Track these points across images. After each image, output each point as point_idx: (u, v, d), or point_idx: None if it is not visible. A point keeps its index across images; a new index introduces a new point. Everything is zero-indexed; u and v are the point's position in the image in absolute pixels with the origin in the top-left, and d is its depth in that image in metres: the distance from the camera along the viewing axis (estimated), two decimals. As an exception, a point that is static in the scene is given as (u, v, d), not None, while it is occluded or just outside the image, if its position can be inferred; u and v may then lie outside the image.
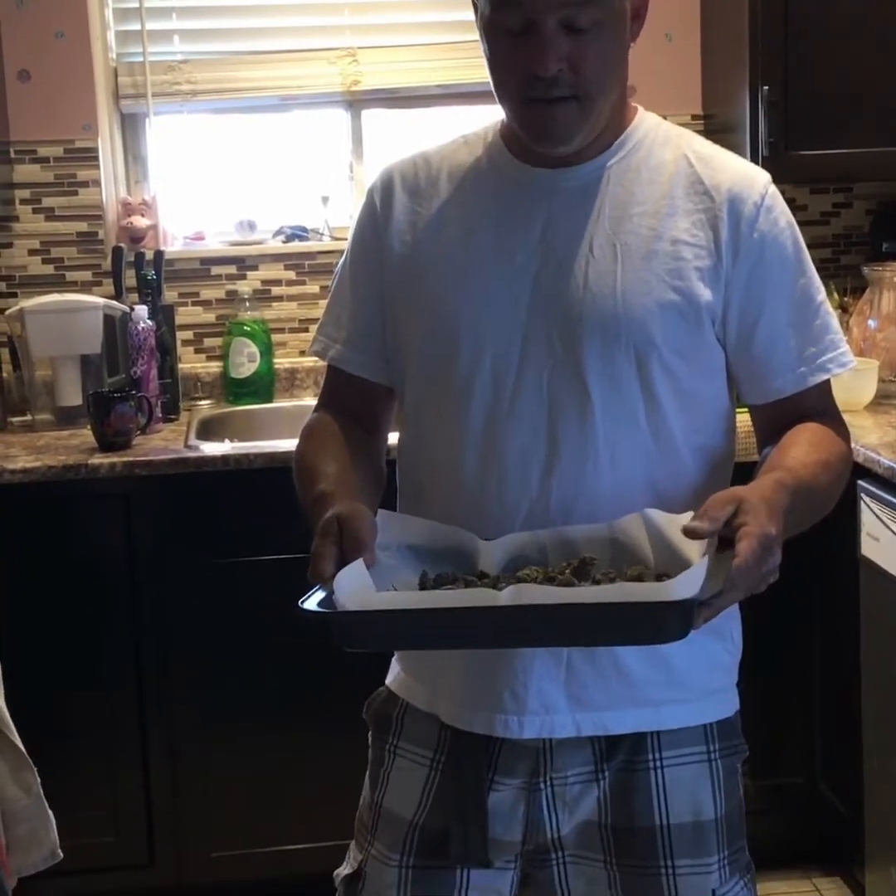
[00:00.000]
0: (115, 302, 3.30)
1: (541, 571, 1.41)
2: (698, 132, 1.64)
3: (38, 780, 2.19)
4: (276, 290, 3.57)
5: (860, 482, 2.68)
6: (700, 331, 1.53)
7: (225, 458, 2.93)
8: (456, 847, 1.59)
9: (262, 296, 3.56)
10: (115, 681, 2.92)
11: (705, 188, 1.54)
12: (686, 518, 1.38)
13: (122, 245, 3.39)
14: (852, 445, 2.64)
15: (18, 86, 3.37)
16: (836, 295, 3.38)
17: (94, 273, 3.47)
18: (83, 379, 3.28)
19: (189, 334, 3.55)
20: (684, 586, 1.25)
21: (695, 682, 1.58)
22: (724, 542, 1.34)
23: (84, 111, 3.41)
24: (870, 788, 2.76)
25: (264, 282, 3.57)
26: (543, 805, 1.58)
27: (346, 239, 3.51)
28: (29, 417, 3.31)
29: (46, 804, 2.21)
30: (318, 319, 3.71)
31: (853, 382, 3.01)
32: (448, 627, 1.30)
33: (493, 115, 1.65)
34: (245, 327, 3.50)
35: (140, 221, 3.50)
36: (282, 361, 3.57)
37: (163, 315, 3.35)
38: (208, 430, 3.28)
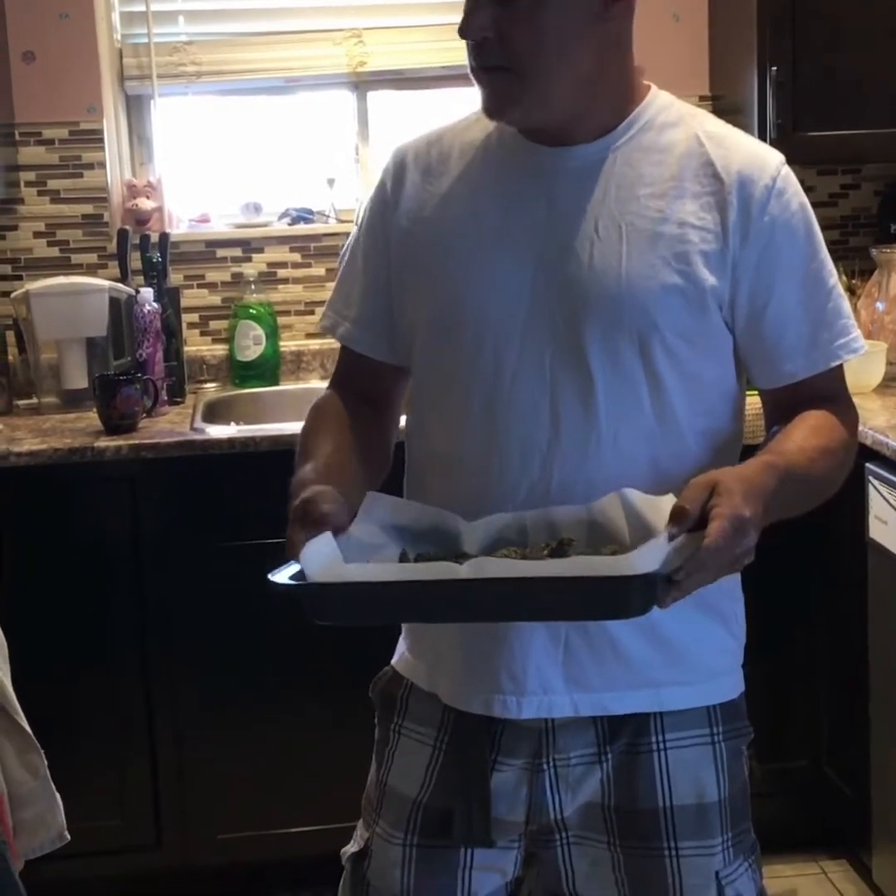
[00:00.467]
0: (120, 284, 3.30)
1: (519, 552, 1.41)
2: (706, 113, 1.62)
3: (45, 762, 2.19)
4: (281, 273, 3.56)
5: (868, 465, 2.68)
6: (705, 314, 1.52)
7: (231, 441, 2.93)
8: (459, 827, 1.60)
9: (268, 278, 3.55)
10: (121, 663, 2.92)
11: (715, 170, 1.52)
12: (664, 499, 1.38)
13: (127, 227, 3.38)
14: (860, 428, 2.65)
15: (23, 67, 3.35)
16: (844, 277, 3.36)
17: (100, 256, 3.46)
18: (89, 362, 3.28)
19: (195, 317, 3.54)
20: (642, 560, 1.26)
21: (697, 663, 1.58)
22: (699, 523, 1.34)
23: (89, 93, 3.40)
24: (876, 771, 2.76)
25: (270, 264, 3.56)
26: (546, 786, 1.58)
27: (352, 221, 3.52)
28: (35, 400, 3.31)
29: (53, 787, 2.21)
30: (324, 302, 3.70)
31: (861, 365, 3.00)
32: (408, 600, 1.32)
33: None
34: (251, 310, 3.49)
35: (145, 204, 3.49)
36: (288, 344, 3.56)
37: (168, 298, 3.35)
38: (214, 413, 3.28)
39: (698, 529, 1.33)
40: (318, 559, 1.31)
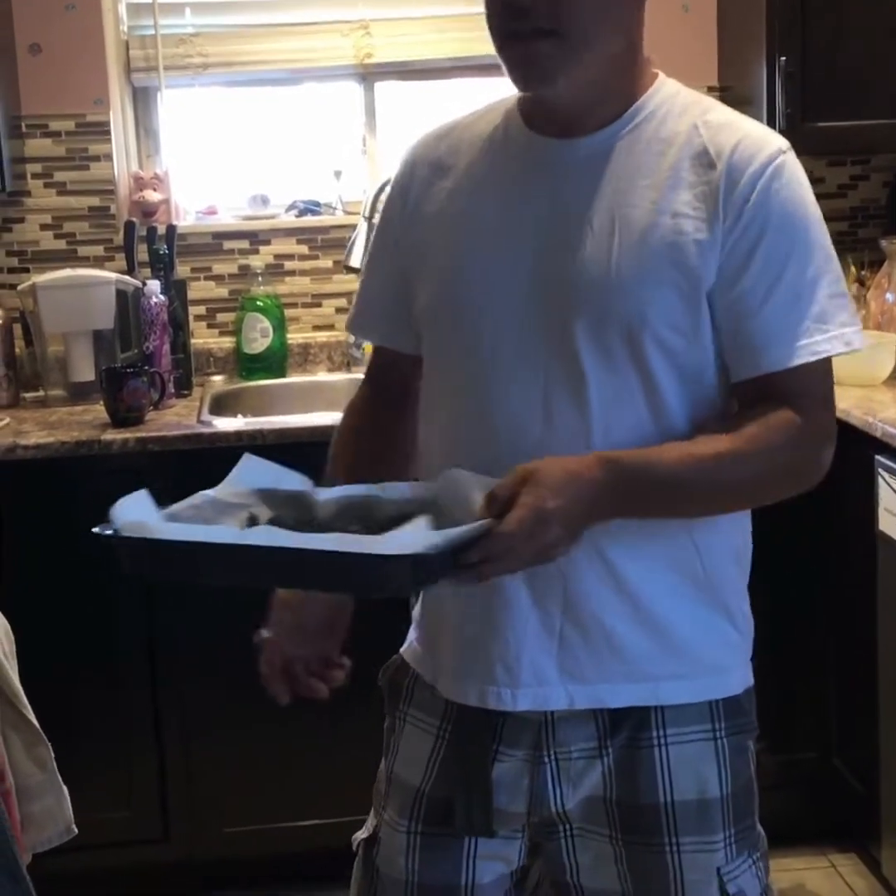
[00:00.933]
0: (127, 277, 3.29)
1: (356, 522, 1.45)
2: (714, 104, 1.60)
3: (53, 755, 2.19)
4: (288, 265, 3.56)
5: (878, 457, 2.67)
6: (699, 307, 1.50)
7: (238, 434, 2.92)
8: (460, 816, 1.61)
9: (275, 270, 3.54)
10: (128, 656, 2.92)
11: (710, 158, 1.50)
12: (493, 481, 1.40)
13: (134, 220, 3.38)
14: (870, 420, 2.65)
15: (29, 59, 3.35)
16: (853, 268, 3.36)
17: (106, 248, 3.46)
18: (96, 354, 3.28)
19: (201, 309, 3.54)
20: (394, 541, 1.29)
21: (698, 658, 1.57)
22: (509, 508, 1.37)
23: (95, 85, 3.39)
24: (885, 764, 2.75)
25: (277, 256, 3.55)
26: (547, 778, 1.58)
27: (358, 213, 3.51)
28: (42, 393, 3.31)
29: (61, 780, 2.21)
30: (331, 294, 3.72)
31: (871, 357, 2.98)
32: (188, 559, 1.38)
33: (506, 87, 1.63)
34: (258, 302, 3.48)
35: (152, 196, 3.49)
36: (295, 336, 3.56)
37: (175, 290, 3.34)
38: (221, 405, 3.27)
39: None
40: (126, 515, 1.38)
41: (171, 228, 3.40)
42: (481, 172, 1.59)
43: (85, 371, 3.27)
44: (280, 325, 3.50)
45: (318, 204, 3.63)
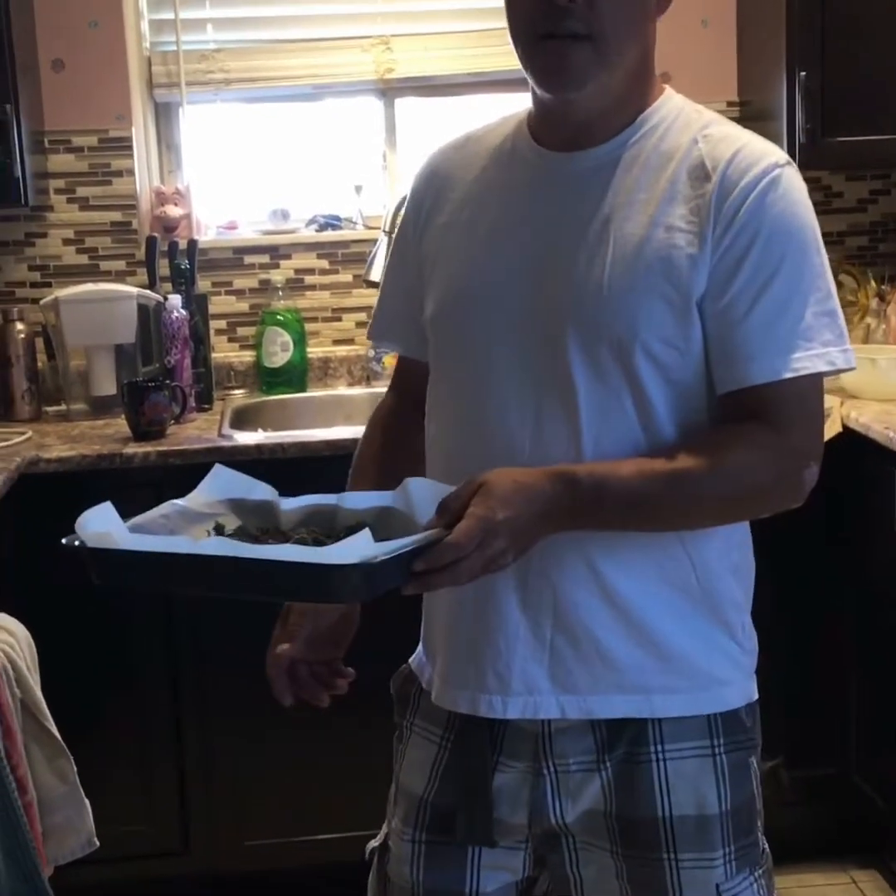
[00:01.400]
0: (148, 291, 3.31)
1: (315, 532, 1.48)
2: (733, 119, 1.60)
3: (75, 768, 2.20)
4: (309, 279, 3.57)
5: (897, 471, 2.67)
6: (691, 321, 1.49)
7: (258, 448, 2.93)
8: (461, 825, 1.61)
9: (296, 285, 3.56)
10: (148, 669, 2.93)
11: (706, 170, 1.50)
12: (447, 490, 1.42)
13: (155, 235, 3.39)
14: (889, 434, 2.64)
15: (53, 76, 3.37)
16: (873, 283, 3.35)
17: (128, 263, 3.48)
18: (117, 368, 3.29)
19: (222, 323, 3.55)
20: (339, 551, 1.31)
21: (693, 670, 1.57)
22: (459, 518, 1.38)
23: (118, 101, 3.41)
24: (907, 780, 2.74)
25: (297, 271, 3.57)
26: (547, 790, 1.59)
27: (379, 227, 3.52)
28: (64, 407, 3.32)
29: (82, 792, 2.22)
30: (351, 308, 3.73)
31: (890, 371, 2.98)
32: (150, 569, 1.41)
33: (526, 103, 1.64)
34: (278, 316, 3.50)
35: (173, 211, 3.51)
36: (315, 351, 3.57)
37: (196, 304, 3.36)
38: (242, 419, 3.28)
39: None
40: (92, 526, 1.42)
41: (192, 243, 3.42)
42: (487, 184, 1.61)
43: (107, 385, 3.28)
44: (300, 340, 3.51)
45: (338, 218, 3.65)
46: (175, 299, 3.25)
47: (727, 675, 1.59)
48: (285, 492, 2.94)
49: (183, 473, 2.88)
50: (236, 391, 3.52)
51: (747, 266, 1.48)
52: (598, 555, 1.51)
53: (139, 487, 2.88)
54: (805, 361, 1.48)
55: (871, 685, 2.92)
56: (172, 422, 3.08)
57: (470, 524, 1.36)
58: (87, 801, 2.22)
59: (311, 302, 3.57)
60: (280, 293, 3.51)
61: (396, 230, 1.76)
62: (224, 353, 3.55)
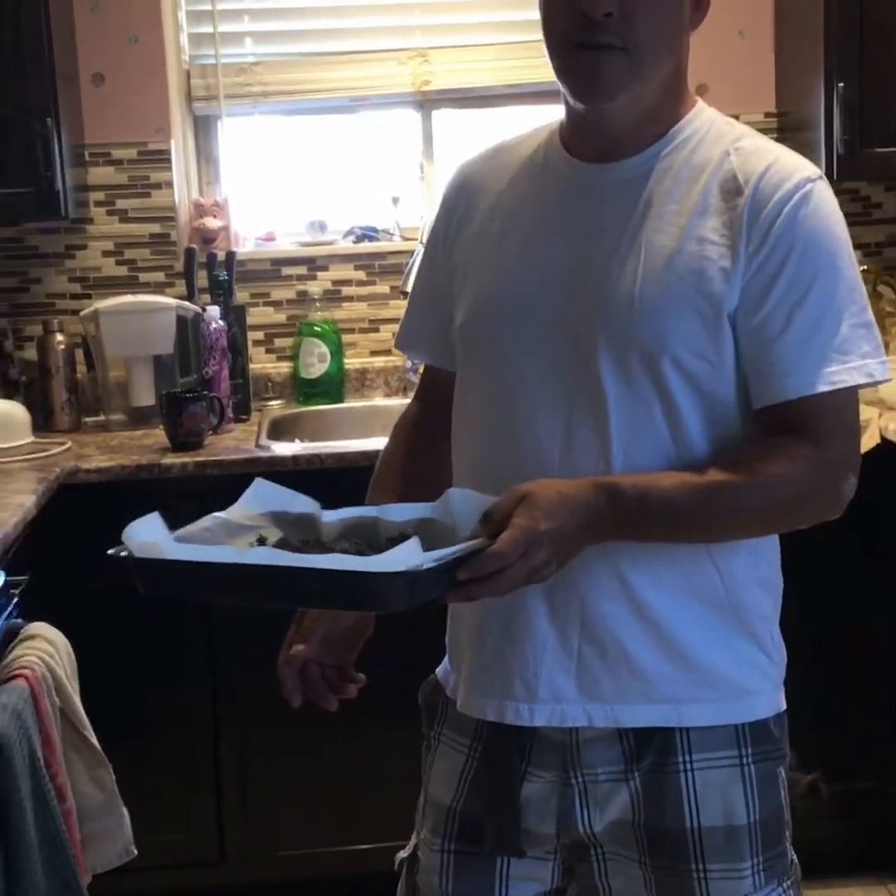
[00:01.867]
0: (187, 303, 3.33)
1: (359, 543, 1.49)
2: (771, 130, 1.61)
3: (113, 777, 2.21)
4: (346, 291, 3.58)
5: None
6: (722, 333, 1.49)
7: (295, 459, 2.94)
8: (489, 835, 1.61)
9: (333, 296, 3.57)
10: (188, 680, 2.94)
11: (738, 184, 1.50)
12: (491, 499, 1.43)
13: (194, 246, 3.42)
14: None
15: (93, 89, 3.40)
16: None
17: (167, 274, 3.50)
18: (156, 379, 3.31)
19: (260, 335, 3.57)
20: (387, 560, 1.32)
21: (720, 681, 1.56)
22: (502, 528, 1.39)
23: (157, 114, 3.44)
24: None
25: (335, 282, 3.58)
26: (575, 800, 1.59)
27: (416, 239, 3.53)
28: (103, 417, 3.35)
29: (121, 801, 2.23)
30: (388, 319, 3.74)
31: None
32: (192, 579, 1.43)
33: (562, 114, 1.64)
34: (315, 328, 3.51)
35: (212, 223, 3.53)
36: (352, 361, 3.58)
37: (234, 315, 3.38)
38: (279, 430, 3.30)
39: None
40: (139, 536, 1.44)
41: (230, 255, 3.44)
42: (518, 195, 1.62)
43: (145, 396, 3.31)
44: (337, 351, 3.52)
45: (375, 230, 3.66)
46: (213, 310, 3.27)
47: (755, 685, 1.59)
48: (322, 502, 2.96)
49: (221, 484, 2.90)
50: (273, 402, 3.54)
51: (782, 282, 1.48)
52: (626, 567, 1.51)
53: (177, 498, 2.89)
54: (842, 375, 1.48)
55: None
56: (210, 432, 3.10)
57: (514, 534, 1.37)
58: (125, 810, 2.24)
59: (349, 313, 3.58)
60: (317, 304, 3.53)
61: (427, 240, 1.77)
62: (261, 364, 3.57)
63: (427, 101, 3.65)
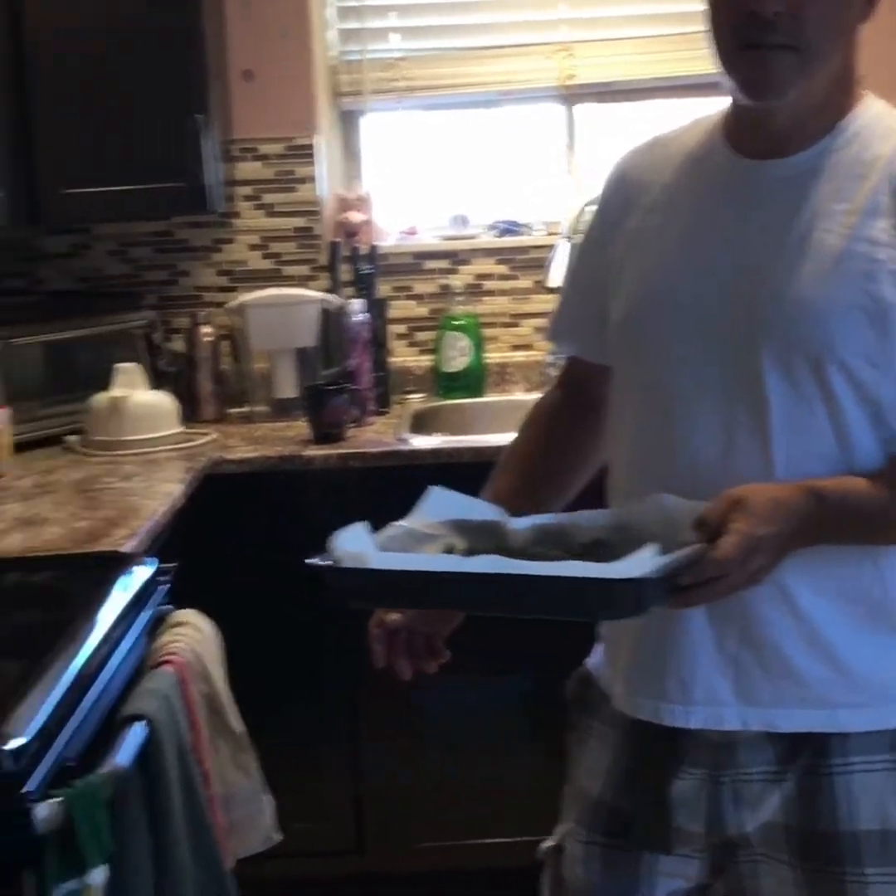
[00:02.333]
0: (331, 296, 3.36)
1: (553, 549, 1.47)
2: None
3: (257, 764, 2.24)
4: (488, 285, 3.59)
5: None
6: (889, 338, 1.45)
7: (434, 452, 2.96)
8: (638, 831, 1.61)
9: (475, 290, 3.58)
10: (329, 667, 2.97)
11: None
12: (701, 506, 1.41)
13: (338, 240, 3.45)
14: None
15: (242, 85, 3.45)
16: None
17: (311, 267, 3.53)
18: (299, 372, 3.35)
19: (401, 328, 3.59)
20: (625, 567, 1.31)
21: (877, 686, 1.54)
22: (719, 534, 1.37)
23: (304, 109, 3.48)
24: None
25: (477, 276, 3.58)
26: (725, 799, 1.57)
27: (559, 234, 3.52)
28: (246, 408, 3.40)
29: (265, 788, 2.26)
30: (529, 314, 3.72)
31: None
32: (412, 588, 1.41)
33: (708, 108, 1.63)
34: (457, 321, 3.52)
35: (355, 217, 3.55)
36: (493, 356, 3.58)
37: (376, 309, 3.40)
38: (419, 423, 3.32)
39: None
40: (346, 546, 1.42)
41: (373, 248, 3.46)
42: (678, 190, 1.60)
43: (288, 388, 3.35)
44: (478, 345, 3.53)
45: (518, 224, 3.65)
46: (357, 304, 3.30)
47: None
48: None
49: (361, 476, 2.93)
50: (413, 395, 3.55)
51: None
52: (787, 572, 1.49)
53: (318, 489, 2.93)
54: None
55: None
56: (351, 425, 3.13)
57: (734, 540, 1.35)
58: (268, 797, 2.26)
59: (490, 307, 3.58)
60: (459, 298, 3.53)
61: (583, 233, 1.76)
62: (402, 357, 3.59)
63: (571, 95, 3.63)
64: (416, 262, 3.60)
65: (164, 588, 2.28)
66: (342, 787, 3.01)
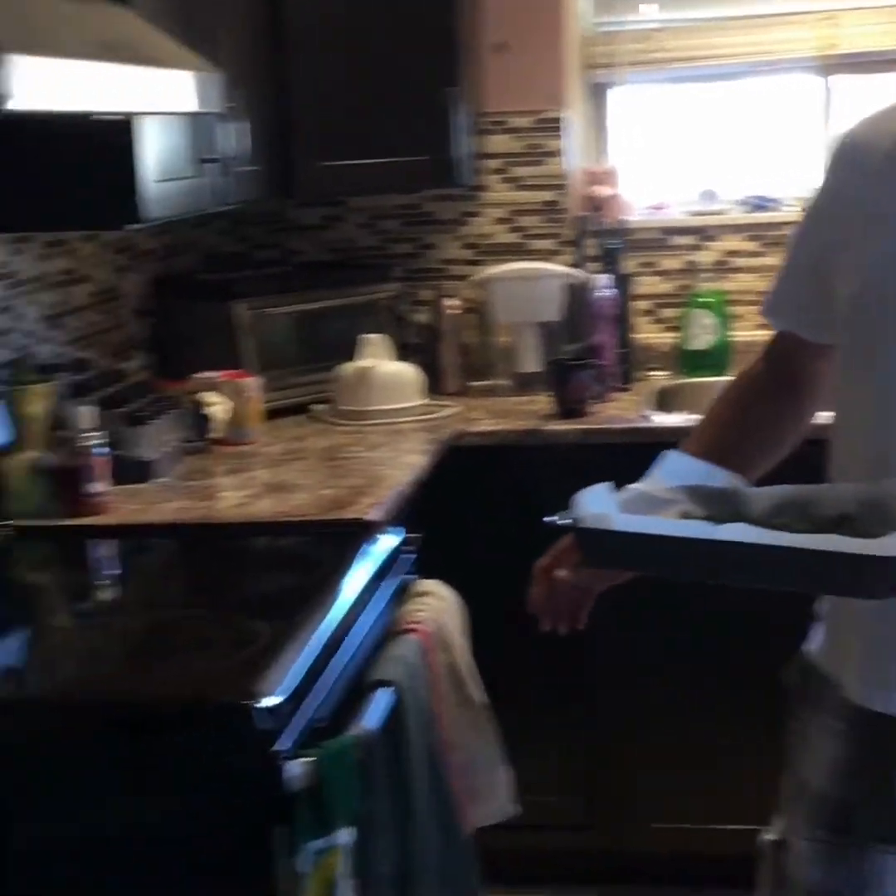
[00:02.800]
0: (576, 270, 3.35)
1: (798, 521, 1.41)
2: None
3: (497, 735, 2.25)
4: (736, 262, 3.51)
5: None
6: None
7: (678, 430, 2.89)
8: (864, 823, 1.55)
9: (722, 267, 3.51)
10: (570, 641, 2.96)
11: None
12: None
13: (585, 214, 3.42)
14: None
15: (495, 58, 3.44)
16: None
17: (556, 242, 3.52)
18: (542, 346, 3.35)
19: (646, 304, 3.55)
20: (890, 544, 1.26)
21: None
22: None
23: (555, 82, 3.46)
24: None
25: (725, 253, 3.51)
26: None
27: (813, 209, 3.40)
28: (489, 382, 3.41)
29: (504, 759, 2.27)
30: (778, 292, 3.57)
31: None
32: (660, 553, 1.40)
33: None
34: (703, 299, 3.46)
35: (602, 191, 3.52)
36: (739, 334, 3.50)
37: (621, 284, 3.37)
38: (663, 401, 3.28)
39: None
40: (589, 506, 1.42)
41: (619, 223, 3.43)
42: None
43: (531, 362, 3.35)
44: (725, 323, 3.46)
45: (769, 200, 3.56)
46: (602, 279, 3.27)
47: None
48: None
49: (602, 453, 2.90)
50: (655, 372, 3.51)
51: None
52: None
53: (558, 465, 2.92)
54: None
55: None
56: (594, 401, 3.11)
57: None
58: (507, 767, 2.27)
59: (738, 284, 3.51)
60: (705, 275, 3.47)
61: (806, 208, 1.69)
62: (645, 333, 3.54)
63: (828, 66, 3.51)
64: (662, 238, 3.55)
65: (409, 557, 2.31)
66: (577, 760, 3.01)
